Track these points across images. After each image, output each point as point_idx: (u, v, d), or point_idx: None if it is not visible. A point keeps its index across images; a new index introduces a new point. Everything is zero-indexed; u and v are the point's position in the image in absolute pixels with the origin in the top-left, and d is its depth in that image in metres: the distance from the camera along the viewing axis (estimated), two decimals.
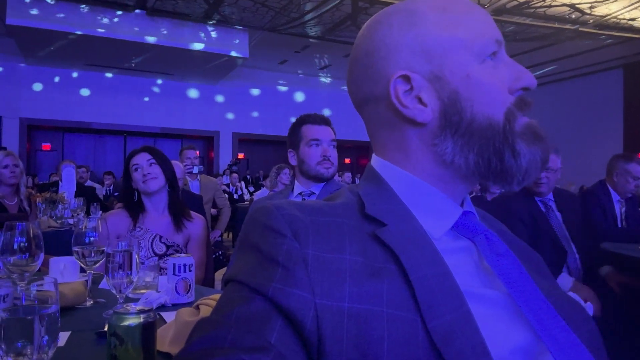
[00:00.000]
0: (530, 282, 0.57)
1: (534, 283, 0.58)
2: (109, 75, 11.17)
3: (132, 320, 0.75)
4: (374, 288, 0.49)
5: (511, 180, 0.58)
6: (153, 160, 2.03)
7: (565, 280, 2.30)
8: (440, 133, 0.58)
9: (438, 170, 0.60)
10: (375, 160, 0.66)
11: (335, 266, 0.51)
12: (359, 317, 0.47)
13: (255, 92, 12.72)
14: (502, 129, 0.56)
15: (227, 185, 8.85)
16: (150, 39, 8.78)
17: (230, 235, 8.06)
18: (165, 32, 8.87)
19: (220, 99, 12.38)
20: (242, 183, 9.90)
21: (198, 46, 9.18)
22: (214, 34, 9.28)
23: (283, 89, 13.06)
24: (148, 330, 0.75)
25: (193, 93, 12.06)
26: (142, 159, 2.03)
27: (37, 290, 0.71)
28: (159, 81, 11.63)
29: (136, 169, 2.03)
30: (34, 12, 7.90)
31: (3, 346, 0.65)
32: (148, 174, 2.00)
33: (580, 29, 8.68)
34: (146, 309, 0.77)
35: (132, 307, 0.78)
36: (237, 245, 0.59)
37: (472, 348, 0.47)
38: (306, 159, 1.83)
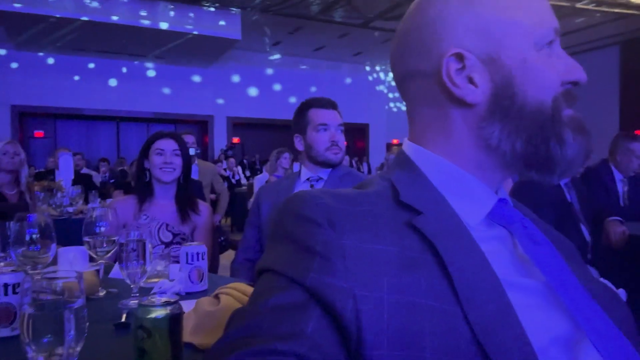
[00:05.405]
0: (567, 270, 0.57)
1: (570, 271, 0.57)
2: (99, 59, 10.98)
3: (158, 313, 0.73)
4: (412, 279, 0.49)
5: (554, 170, 0.57)
6: (178, 152, 2.00)
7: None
8: (488, 116, 0.57)
9: (479, 155, 0.59)
10: (407, 146, 0.64)
11: (372, 257, 0.50)
12: (399, 309, 0.47)
13: (248, 75, 12.56)
14: (551, 115, 0.55)
15: (225, 170, 8.82)
16: (142, 22, 8.63)
17: (229, 220, 8.05)
18: (156, 14, 8.71)
19: (213, 82, 12.22)
20: (239, 168, 9.86)
21: (189, 28, 9.03)
22: (205, 16, 9.13)
23: (277, 71, 12.91)
24: (175, 321, 0.74)
25: (185, 77, 11.88)
26: (169, 146, 1.99)
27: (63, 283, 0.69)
28: (151, 65, 11.46)
29: (159, 154, 1.98)
30: None
31: (29, 341, 0.64)
32: (170, 164, 1.97)
33: (577, 5, 8.61)
34: (172, 300, 0.76)
35: (157, 298, 0.76)
36: (271, 235, 0.58)
37: (513, 339, 0.47)
38: (314, 145, 1.80)
